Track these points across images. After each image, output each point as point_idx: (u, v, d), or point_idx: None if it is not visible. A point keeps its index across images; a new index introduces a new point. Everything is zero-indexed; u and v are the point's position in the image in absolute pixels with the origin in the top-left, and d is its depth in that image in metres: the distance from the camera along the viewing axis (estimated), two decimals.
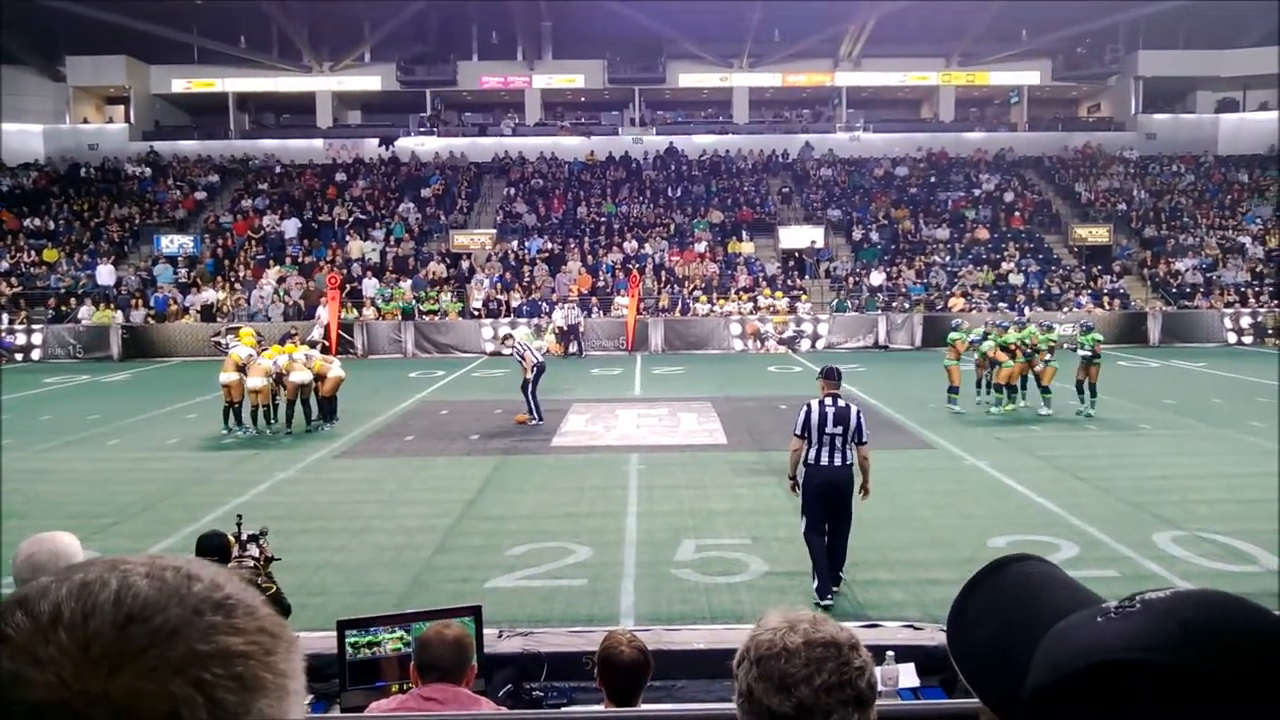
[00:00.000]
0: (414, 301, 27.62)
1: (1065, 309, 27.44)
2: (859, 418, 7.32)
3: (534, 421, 14.83)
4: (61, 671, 0.57)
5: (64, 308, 27.43)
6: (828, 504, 7.26)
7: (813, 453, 7.27)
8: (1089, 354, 14.85)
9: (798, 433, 7.33)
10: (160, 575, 0.63)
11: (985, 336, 15.69)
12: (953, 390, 15.80)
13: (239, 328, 18.26)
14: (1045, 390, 15.22)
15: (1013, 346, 15.22)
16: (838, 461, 7.24)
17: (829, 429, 7.23)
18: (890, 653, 4.08)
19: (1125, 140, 38.83)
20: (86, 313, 26.97)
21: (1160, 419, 14.92)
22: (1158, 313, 27.54)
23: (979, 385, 16.39)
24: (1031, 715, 0.71)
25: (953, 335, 16.39)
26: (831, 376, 7.59)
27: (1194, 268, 30.30)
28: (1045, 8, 35.98)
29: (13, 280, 28.83)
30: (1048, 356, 15.32)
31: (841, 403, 7.37)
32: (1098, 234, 32.04)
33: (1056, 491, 10.33)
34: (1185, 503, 9.79)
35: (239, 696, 0.60)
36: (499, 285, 28.66)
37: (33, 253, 30.47)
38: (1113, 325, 27.10)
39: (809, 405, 7.34)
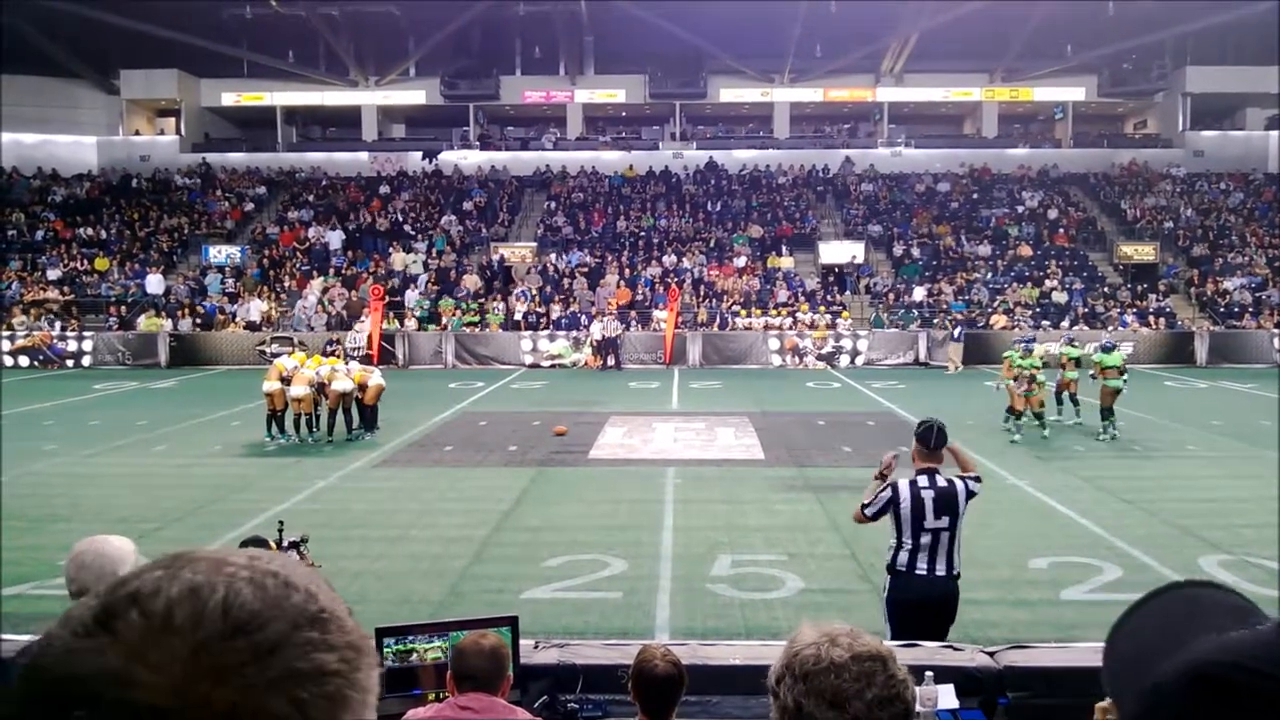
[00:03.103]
0: (456, 317, 27.83)
1: (1110, 328, 27.03)
2: (968, 499, 5.29)
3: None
4: (172, 677, 0.59)
5: (116, 315, 28.04)
6: (928, 629, 5.15)
7: (905, 555, 5.25)
8: (1091, 375, 15.11)
9: (870, 513, 5.37)
10: (263, 583, 0.65)
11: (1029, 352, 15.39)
12: (1010, 412, 15.20)
13: (290, 339, 18.59)
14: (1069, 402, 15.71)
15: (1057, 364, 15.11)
16: (941, 569, 5.22)
17: (929, 522, 5.17)
18: (929, 673, 4.03)
19: (1172, 157, 38.23)
20: (140, 321, 27.58)
21: (1207, 441, 14.62)
22: (1205, 333, 27.00)
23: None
24: (1143, 713, 0.70)
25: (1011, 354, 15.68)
26: (928, 442, 5.33)
27: (1243, 287, 29.70)
28: (1090, 23, 35.57)
29: (65, 288, 29.53)
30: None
31: (942, 480, 5.27)
32: (1144, 252, 31.55)
33: (1099, 513, 10.15)
34: (1232, 526, 9.58)
35: (328, 713, 0.63)
36: (536, 298, 28.82)
37: (85, 261, 31.20)
38: (1159, 345, 26.69)
39: (896, 488, 5.26)
